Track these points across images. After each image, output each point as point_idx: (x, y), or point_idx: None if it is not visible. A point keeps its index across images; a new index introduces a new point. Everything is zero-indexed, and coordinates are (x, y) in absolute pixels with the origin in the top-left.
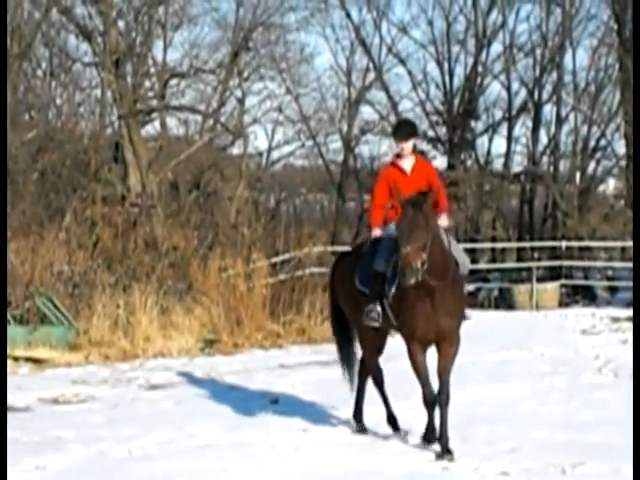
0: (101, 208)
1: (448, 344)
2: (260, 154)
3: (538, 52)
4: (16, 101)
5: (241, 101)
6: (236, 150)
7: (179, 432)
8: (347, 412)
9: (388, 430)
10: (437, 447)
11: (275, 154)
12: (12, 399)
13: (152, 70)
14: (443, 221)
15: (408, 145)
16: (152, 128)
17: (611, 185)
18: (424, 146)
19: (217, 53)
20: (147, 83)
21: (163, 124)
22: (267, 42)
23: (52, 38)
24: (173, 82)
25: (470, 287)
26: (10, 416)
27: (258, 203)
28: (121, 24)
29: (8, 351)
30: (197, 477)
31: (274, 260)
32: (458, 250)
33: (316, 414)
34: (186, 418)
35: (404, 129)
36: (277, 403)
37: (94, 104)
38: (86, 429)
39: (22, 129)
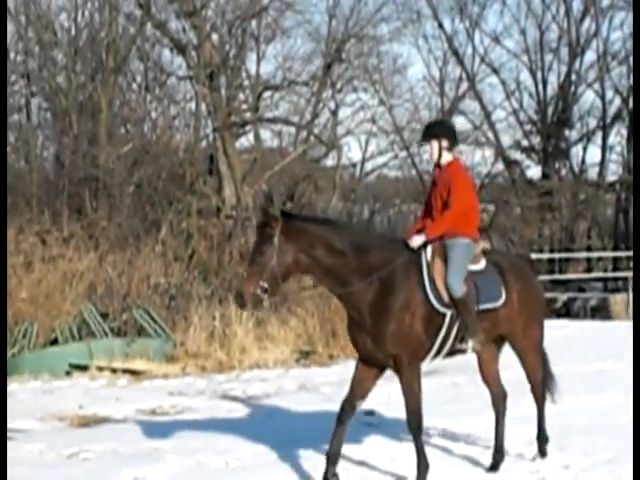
0: (196, 220)
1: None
2: (354, 165)
3: (632, 60)
4: (112, 115)
5: (334, 112)
6: (330, 161)
7: (274, 443)
8: (444, 423)
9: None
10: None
11: (369, 165)
12: (110, 410)
13: (246, 83)
14: (413, 241)
15: (433, 147)
16: (246, 140)
17: None
18: (518, 155)
19: (310, 65)
20: (241, 96)
21: (257, 136)
22: (360, 53)
23: (147, 52)
24: (267, 94)
25: (563, 297)
26: (108, 427)
27: (352, 214)
28: (215, 37)
29: (106, 363)
30: None
31: None
32: (457, 273)
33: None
34: (281, 429)
35: (428, 128)
36: (372, 414)
37: (189, 117)
38: (183, 440)
39: (118, 143)
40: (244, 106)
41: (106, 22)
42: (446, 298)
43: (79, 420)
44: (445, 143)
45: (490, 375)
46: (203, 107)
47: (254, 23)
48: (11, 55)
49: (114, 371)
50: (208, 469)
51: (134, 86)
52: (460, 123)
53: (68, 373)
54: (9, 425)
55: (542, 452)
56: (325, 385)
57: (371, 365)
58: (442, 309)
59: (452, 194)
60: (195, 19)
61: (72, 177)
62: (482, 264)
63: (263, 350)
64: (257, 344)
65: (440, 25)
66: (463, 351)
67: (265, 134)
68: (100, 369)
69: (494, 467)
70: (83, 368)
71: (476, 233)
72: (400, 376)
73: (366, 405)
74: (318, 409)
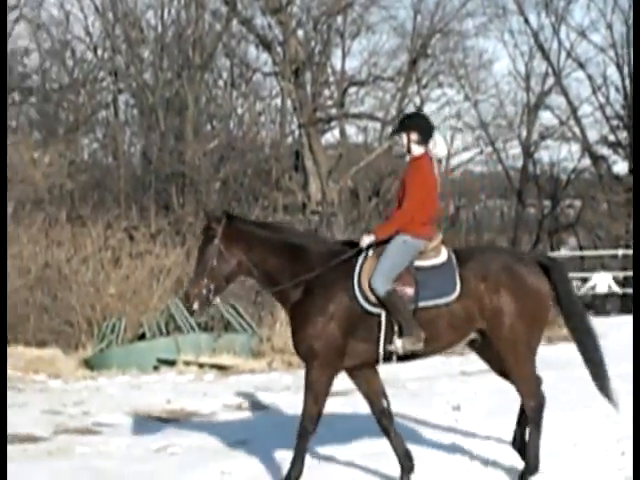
0: (282, 216)
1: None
2: (439, 161)
3: None
4: (198, 111)
5: (420, 108)
6: None
7: (356, 440)
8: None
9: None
10: None
11: (454, 160)
12: (198, 405)
13: (331, 79)
14: (362, 240)
15: (403, 140)
16: (331, 136)
17: None
18: (604, 150)
19: (395, 60)
20: (326, 91)
21: (342, 132)
22: (445, 49)
23: (233, 49)
24: (352, 90)
25: None
26: (196, 422)
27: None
28: (300, 33)
29: (193, 358)
30: None
31: None
32: (381, 272)
33: (497, 422)
34: (366, 425)
35: (400, 120)
36: (459, 410)
37: (274, 113)
38: (269, 435)
39: (204, 139)
40: (329, 102)
41: (192, 19)
42: (372, 297)
43: (167, 414)
44: (414, 136)
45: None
46: (289, 103)
47: (339, 19)
48: (99, 52)
49: (201, 366)
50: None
51: (220, 82)
52: (546, 118)
53: (156, 368)
54: (97, 419)
55: None
56: (410, 381)
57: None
58: (372, 309)
59: (406, 193)
60: (281, 15)
61: (159, 173)
62: (437, 259)
63: None
64: None
65: (526, 20)
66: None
67: (350, 130)
68: (187, 364)
69: None
70: (170, 363)
71: (422, 229)
72: (305, 376)
73: (453, 400)
74: (405, 405)
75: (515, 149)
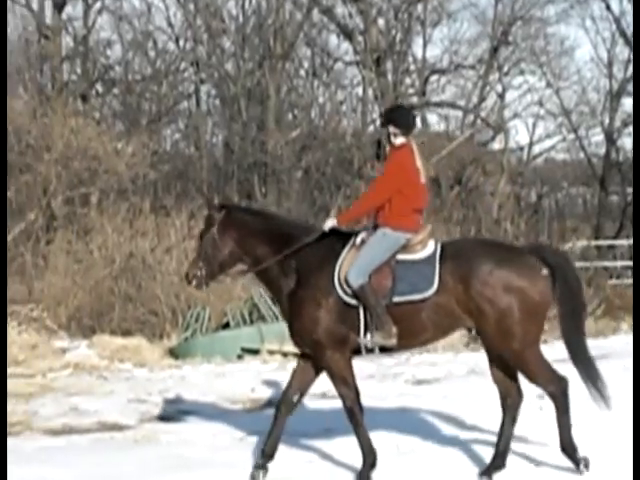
0: None
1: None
2: (521, 148)
3: None
4: (280, 101)
5: (501, 96)
6: (497, 145)
7: (446, 427)
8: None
9: None
10: None
11: (536, 148)
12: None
13: (412, 67)
14: (325, 224)
15: (391, 132)
16: None
17: None
18: None
19: (477, 48)
20: (407, 80)
21: (424, 120)
22: (527, 36)
23: (314, 38)
24: (433, 78)
25: None
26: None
27: (520, 198)
28: (381, 22)
29: (277, 347)
30: (463, 471)
31: None
32: (356, 265)
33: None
34: (453, 413)
35: (383, 114)
36: (542, 398)
37: (356, 102)
38: None
39: (286, 128)
40: (411, 90)
41: (273, 9)
42: (349, 290)
43: (251, 403)
44: (392, 129)
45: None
46: (370, 92)
47: (420, 7)
48: (180, 43)
49: (285, 355)
50: (379, 452)
51: (301, 72)
52: (629, 105)
53: (240, 357)
54: (182, 407)
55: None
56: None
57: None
58: (350, 301)
59: (376, 180)
60: (361, 4)
61: (241, 163)
62: (420, 254)
63: None
64: None
65: (607, 6)
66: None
67: (432, 118)
68: (271, 353)
69: None
70: (254, 352)
71: (402, 221)
72: (324, 367)
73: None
74: (488, 393)
75: (598, 136)
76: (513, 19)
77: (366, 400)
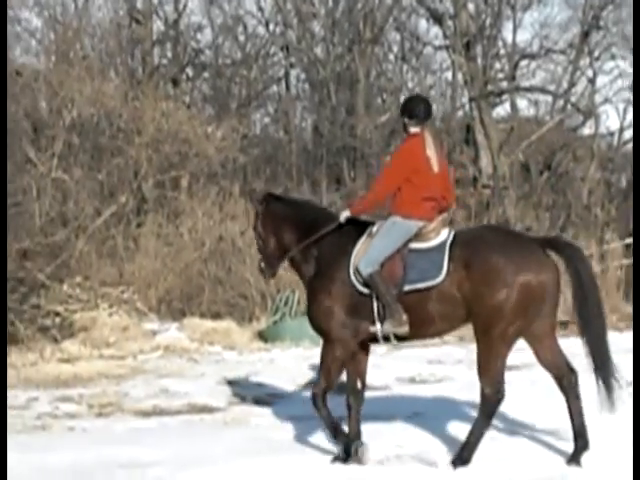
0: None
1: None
2: (611, 134)
3: None
4: (369, 85)
5: (592, 81)
6: (587, 130)
7: (535, 413)
8: None
9: None
10: None
11: (627, 134)
12: (370, 378)
13: (502, 51)
14: (341, 215)
15: (405, 122)
16: (502, 109)
17: None
18: None
19: (567, 33)
20: (497, 64)
21: (513, 105)
22: (618, 20)
23: (403, 22)
24: (523, 63)
25: None
26: (368, 394)
27: (610, 183)
28: (471, 6)
29: None
30: (555, 458)
31: (628, 241)
32: (368, 253)
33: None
34: (542, 399)
35: (401, 105)
36: (631, 385)
37: (445, 87)
38: (444, 408)
39: (375, 113)
40: (500, 75)
41: None
42: (361, 279)
43: (339, 387)
44: (406, 120)
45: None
46: (459, 77)
47: None
48: (270, 27)
49: None
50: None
51: (390, 56)
52: None
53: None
54: (272, 391)
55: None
56: (584, 356)
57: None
58: (363, 289)
59: (383, 169)
60: None
61: (330, 147)
62: (432, 242)
63: None
64: None
65: None
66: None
67: (521, 103)
68: None
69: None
70: None
71: (414, 209)
72: (322, 350)
73: (628, 375)
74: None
75: None
76: (604, 3)
77: (454, 386)
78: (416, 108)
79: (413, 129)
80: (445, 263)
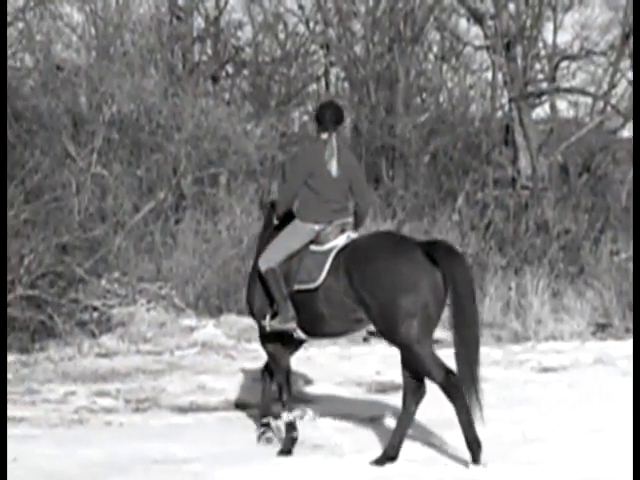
0: (492, 190)
1: None
2: None
3: None
4: (408, 85)
5: (633, 83)
6: (627, 133)
7: (572, 416)
8: None
9: None
10: None
11: None
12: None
13: (542, 52)
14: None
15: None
16: (542, 111)
17: None
18: None
19: (608, 34)
20: (537, 66)
21: (553, 106)
22: None
23: (443, 22)
24: (563, 64)
25: None
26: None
27: None
28: (512, 7)
29: None
30: (591, 461)
31: None
32: (266, 251)
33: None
34: (579, 401)
35: None
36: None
37: (485, 87)
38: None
39: (414, 112)
40: (540, 76)
41: None
42: None
43: (376, 386)
44: (316, 126)
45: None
46: (499, 77)
47: None
48: (310, 25)
49: None
50: (504, 439)
51: (430, 56)
52: None
53: (365, 340)
54: (308, 389)
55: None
56: (622, 359)
57: None
58: None
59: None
60: None
61: (369, 146)
62: (327, 245)
63: (559, 322)
64: (553, 315)
65: None
66: None
67: (561, 104)
68: None
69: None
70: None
71: (315, 214)
72: None
73: None
74: (615, 382)
75: None
76: None
77: (491, 386)
78: (324, 115)
79: (322, 135)
80: (326, 267)
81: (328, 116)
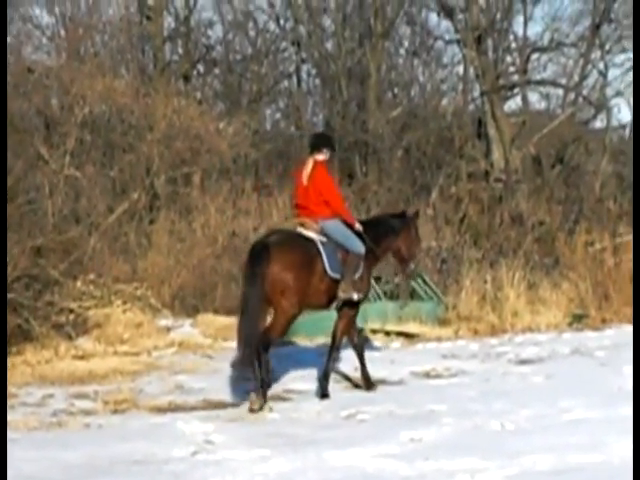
0: (466, 184)
1: None
2: (623, 127)
3: None
4: (380, 80)
5: (603, 74)
6: (599, 123)
7: (551, 407)
8: None
9: None
10: None
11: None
12: (385, 373)
13: (513, 45)
14: None
15: None
16: (513, 103)
17: None
18: None
19: (578, 26)
20: (508, 58)
21: (524, 99)
22: (629, 12)
23: (414, 16)
24: (534, 56)
25: None
26: (384, 389)
27: (622, 176)
28: (482, 0)
29: (379, 326)
30: (570, 451)
31: None
32: None
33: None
34: (557, 393)
35: None
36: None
37: (456, 81)
38: (458, 403)
39: (386, 107)
40: (512, 69)
41: None
42: None
43: (354, 381)
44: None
45: None
46: (471, 70)
47: None
48: (281, 22)
49: (388, 334)
50: (484, 431)
51: (401, 51)
52: None
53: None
54: (288, 386)
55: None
56: (599, 349)
57: None
58: None
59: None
60: None
61: (342, 142)
62: None
63: (535, 314)
64: (529, 307)
65: None
66: None
67: (533, 97)
68: (374, 332)
69: None
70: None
71: (294, 213)
72: None
73: None
74: (592, 373)
75: None
76: None
77: (469, 379)
78: (310, 142)
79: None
80: None
81: (310, 143)
